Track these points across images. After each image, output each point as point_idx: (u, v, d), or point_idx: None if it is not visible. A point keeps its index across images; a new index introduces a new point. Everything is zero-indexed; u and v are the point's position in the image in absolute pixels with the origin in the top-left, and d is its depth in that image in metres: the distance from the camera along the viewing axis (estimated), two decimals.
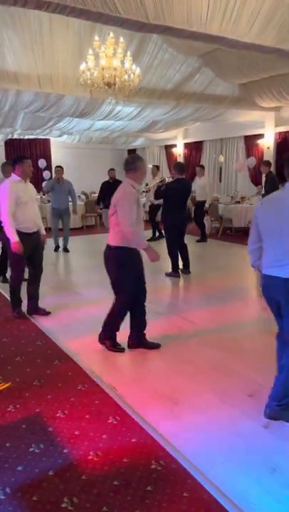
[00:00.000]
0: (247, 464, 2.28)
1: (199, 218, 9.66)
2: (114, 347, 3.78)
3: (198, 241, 9.45)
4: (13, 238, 4.29)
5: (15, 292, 4.67)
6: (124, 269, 3.57)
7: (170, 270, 6.51)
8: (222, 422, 2.67)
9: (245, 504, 1.99)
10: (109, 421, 2.66)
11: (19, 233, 4.31)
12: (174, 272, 6.50)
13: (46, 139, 15.50)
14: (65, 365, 3.48)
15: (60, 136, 14.55)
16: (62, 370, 3.37)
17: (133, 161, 3.65)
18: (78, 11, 4.12)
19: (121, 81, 6.43)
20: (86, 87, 6.71)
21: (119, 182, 9.19)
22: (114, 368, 3.42)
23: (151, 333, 4.16)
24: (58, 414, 2.74)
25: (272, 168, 11.65)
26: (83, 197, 13.03)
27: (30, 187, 4.65)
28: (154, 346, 3.81)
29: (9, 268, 4.99)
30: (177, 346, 3.88)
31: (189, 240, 7.08)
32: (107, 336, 3.79)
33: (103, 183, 9.63)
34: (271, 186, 8.79)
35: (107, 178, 10.05)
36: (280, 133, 11.64)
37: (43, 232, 4.69)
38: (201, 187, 9.85)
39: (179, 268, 6.50)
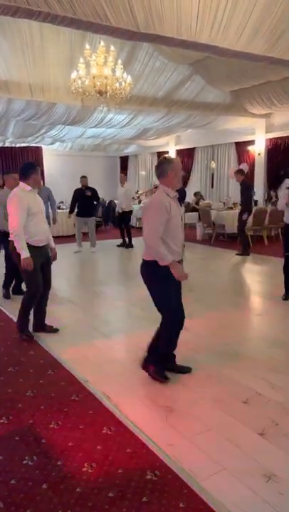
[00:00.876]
0: (243, 472, 2.26)
1: (127, 226, 9.82)
2: (158, 374, 3.29)
3: (118, 245, 9.88)
4: (24, 254, 3.93)
5: (26, 312, 4.24)
6: (163, 285, 3.16)
7: None
8: (217, 429, 2.65)
9: None
10: (104, 431, 2.63)
11: (30, 247, 3.97)
12: None
13: (38, 147, 15.50)
14: (58, 374, 3.44)
15: (52, 143, 14.56)
16: (56, 380, 3.34)
17: (160, 165, 3.21)
18: (69, 20, 4.14)
19: (112, 89, 6.47)
20: (77, 96, 6.73)
21: (92, 190, 9.26)
22: (109, 377, 3.39)
23: (145, 341, 4.15)
24: (51, 425, 2.71)
25: (264, 175, 11.75)
26: None
27: (38, 197, 4.30)
28: (185, 371, 3.43)
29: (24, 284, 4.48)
30: None
31: None
32: (152, 361, 3.34)
33: (75, 191, 9.51)
34: (247, 194, 8.89)
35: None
36: (270, 139, 11.74)
37: (53, 245, 4.37)
38: (124, 195, 9.75)
39: None
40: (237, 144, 12.92)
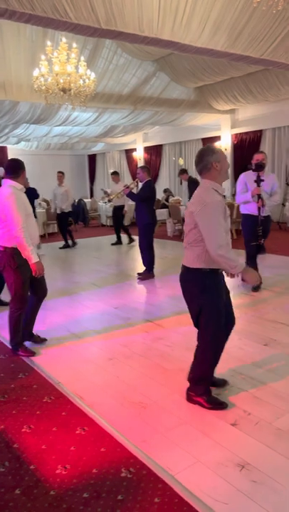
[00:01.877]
0: (216, 463, 2.29)
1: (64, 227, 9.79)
2: (213, 404, 2.83)
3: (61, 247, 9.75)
4: (34, 258, 3.54)
5: (18, 327, 3.80)
6: (210, 296, 2.74)
7: (142, 271, 6.64)
8: (191, 423, 2.68)
9: (217, 504, 2.00)
10: (77, 432, 2.61)
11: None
12: (150, 272, 6.58)
13: (3, 147, 15.20)
14: (30, 377, 3.39)
15: (17, 143, 14.30)
16: (27, 383, 3.28)
17: (201, 156, 2.72)
18: (27, 16, 4.07)
19: (76, 86, 6.40)
20: (41, 93, 6.62)
21: (28, 189, 9.08)
22: (81, 378, 3.36)
23: (119, 339, 4.14)
24: (23, 430, 2.66)
25: (231, 169, 11.93)
26: (44, 204, 12.82)
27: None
28: (222, 384, 3.08)
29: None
30: (144, 350, 3.86)
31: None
32: (202, 390, 2.87)
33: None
34: (194, 190, 9.06)
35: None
36: (236, 134, 11.94)
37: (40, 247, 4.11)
38: (62, 194, 9.59)
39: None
40: (204, 139, 13.09)
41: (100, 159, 18.57)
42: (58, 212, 9.66)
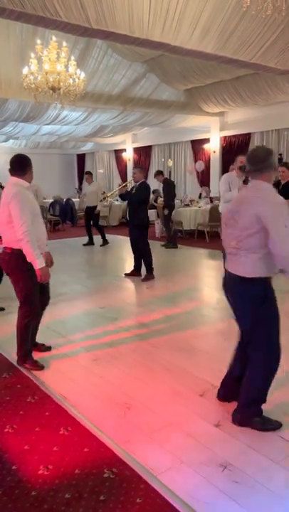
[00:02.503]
0: (199, 463, 2.30)
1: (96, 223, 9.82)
2: (266, 425, 2.60)
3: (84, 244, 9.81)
4: (40, 263, 3.24)
5: (27, 337, 3.51)
6: (272, 307, 2.53)
7: (129, 272, 6.66)
8: (175, 423, 2.68)
9: (199, 504, 2.01)
10: (61, 432, 2.59)
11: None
12: (151, 273, 6.54)
13: None
14: (14, 377, 3.36)
15: (5, 141, 14.18)
16: (11, 383, 3.25)
17: (266, 156, 2.49)
18: (17, 13, 4.05)
19: (65, 85, 6.37)
20: (30, 92, 6.58)
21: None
22: (66, 378, 3.34)
23: (104, 339, 4.13)
24: (6, 430, 2.64)
25: (219, 172, 12.00)
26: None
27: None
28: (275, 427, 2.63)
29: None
30: (130, 350, 3.86)
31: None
32: (254, 412, 2.64)
33: None
34: (169, 192, 9.48)
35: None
36: (224, 137, 12.02)
37: (46, 248, 3.61)
38: (93, 192, 9.70)
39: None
40: (193, 142, 13.15)
41: (89, 159, 18.52)
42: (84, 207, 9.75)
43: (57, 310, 5.17)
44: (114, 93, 9.08)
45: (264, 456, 2.35)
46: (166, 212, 9.45)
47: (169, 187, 9.50)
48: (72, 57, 6.66)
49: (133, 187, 6.56)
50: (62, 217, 13.62)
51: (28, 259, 3.24)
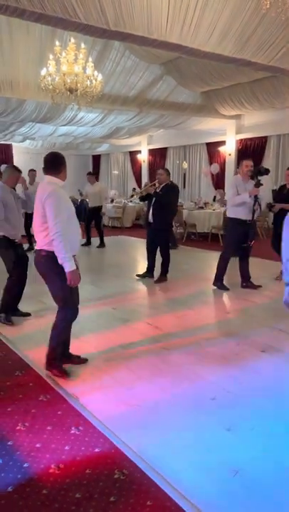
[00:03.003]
0: (210, 467, 2.28)
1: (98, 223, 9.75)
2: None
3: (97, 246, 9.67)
4: (70, 266, 3.12)
5: (59, 339, 3.42)
6: None
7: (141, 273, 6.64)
8: (186, 426, 2.67)
9: (209, 508, 1.99)
10: (72, 431, 2.60)
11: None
12: (165, 276, 6.51)
13: (8, 144, 15.22)
14: (27, 375, 3.38)
15: (22, 141, 14.33)
16: (24, 381, 3.28)
17: None
18: (37, 15, 4.08)
19: (83, 87, 6.41)
20: (47, 93, 6.64)
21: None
22: (78, 377, 3.35)
23: (116, 340, 4.13)
24: (18, 427, 2.66)
25: (234, 175, 11.92)
26: None
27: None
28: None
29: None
30: (142, 353, 3.86)
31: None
32: None
33: None
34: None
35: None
36: (240, 140, 11.95)
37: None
38: (95, 193, 9.66)
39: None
40: (208, 144, 13.10)
41: (104, 160, 18.59)
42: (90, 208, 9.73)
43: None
44: (131, 95, 9.10)
45: (276, 462, 2.32)
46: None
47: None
48: (90, 59, 6.70)
49: (156, 188, 6.41)
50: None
51: (59, 261, 3.13)
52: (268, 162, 11.17)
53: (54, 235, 3.08)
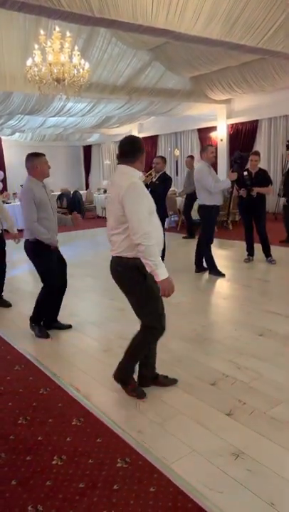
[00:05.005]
0: (211, 452, 2.31)
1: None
2: None
3: None
4: (161, 273, 2.59)
5: (140, 356, 3.03)
6: None
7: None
8: (186, 413, 2.69)
9: (212, 492, 2.02)
10: (74, 423, 2.62)
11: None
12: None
13: None
14: (26, 370, 3.39)
15: (11, 134, 14.17)
16: (23, 376, 3.29)
17: None
18: (20, 4, 4.00)
19: (70, 76, 6.32)
20: (34, 84, 6.54)
21: None
22: (78, 370, 3.37)
23: (115, 330, 4.14)
24: (19, 421, 2.67)
25: (226, 160, 11.87)
26: None
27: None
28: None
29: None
30: None
31: None
32: None
33: None
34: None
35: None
36: (231, 125, 11.87)
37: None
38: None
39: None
40: (200, 130, 13.01)
41: (96, 150, 18.45)
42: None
43: (66, 301, 5.19)
44: (120, 83, 8.99)
45: (276, 444, 2.35)
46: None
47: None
48: (76, 48, 6.59)
49: (152, 178, 6.33)
50: (70, 210, 13.62)
51: (148, 269, 2.61)
52: (259, 146, 11.12)
53: (139, 238, 2.52)
